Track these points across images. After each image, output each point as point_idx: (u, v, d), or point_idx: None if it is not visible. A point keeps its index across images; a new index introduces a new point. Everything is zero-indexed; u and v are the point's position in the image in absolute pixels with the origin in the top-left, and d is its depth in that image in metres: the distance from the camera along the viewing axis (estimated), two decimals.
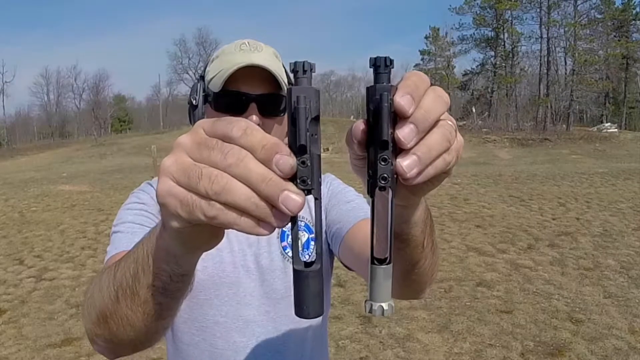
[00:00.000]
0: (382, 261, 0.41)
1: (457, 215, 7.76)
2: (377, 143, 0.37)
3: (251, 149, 0.34)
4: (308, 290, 0.38)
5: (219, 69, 0.88)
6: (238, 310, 0.93)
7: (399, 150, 0.37)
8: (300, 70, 0.36)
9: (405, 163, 0.36)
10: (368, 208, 0.94)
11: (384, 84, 0.37)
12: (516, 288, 4.51)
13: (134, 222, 0.86)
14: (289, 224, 0.36)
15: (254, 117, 0.86)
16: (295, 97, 0.35)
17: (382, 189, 0.37)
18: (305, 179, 0.35)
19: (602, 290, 4.40)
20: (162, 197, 0.36)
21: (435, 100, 0.38)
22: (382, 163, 0.37)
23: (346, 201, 0.96)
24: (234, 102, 0.88)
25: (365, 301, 0.41)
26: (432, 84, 0.39)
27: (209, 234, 0.41)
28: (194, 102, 0.93)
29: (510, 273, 4.94)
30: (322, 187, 1.01)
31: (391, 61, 0.37)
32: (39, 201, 10.20)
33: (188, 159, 0.35)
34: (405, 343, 3.49)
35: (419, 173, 0.37)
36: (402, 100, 0.36)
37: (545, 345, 3.39)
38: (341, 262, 0.94)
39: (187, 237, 0.41)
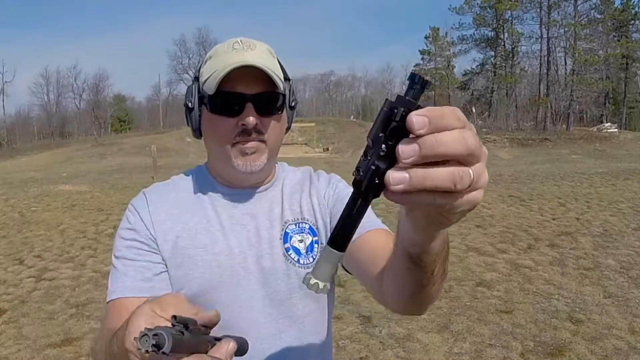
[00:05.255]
0: (338, 247, 0.44)
1: None
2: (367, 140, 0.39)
3: None
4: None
5: (213, 70, 0.86)
6: (240, 312, 0.92)
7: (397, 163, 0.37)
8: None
9: (393, 175, 0.36)
10: (375, 216, 0.94)
11: (407, 98, 0.38)
12: (516, 288, 4.51)
13: (126, 258, 0.89)
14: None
15: (251, 119, 0.85)
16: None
17: (354, 181, 0.40)
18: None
19: (602, 290, 4.40)
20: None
21: (456, 139, 0.36)
22: (362, 157, 0.39)
23: None
24: (230, 103, 0.86)
25: (307, 273, 0.45)
26: (466, 126, 0.37)
27: None
28: (189, 104, 0.92)
29: (510, 273, 4.94)
30: (327, 188, 1.00)
31: (425, 82, 0.38)
32: (39, 201, 10.18)
33: None
34: (405, 343, 3.49)
35: (403, 192, 0.37)
36: (415, 117, 0.36)
37: (545, 345, 3.39)
38: (342, 266, 0.93)
39: None
